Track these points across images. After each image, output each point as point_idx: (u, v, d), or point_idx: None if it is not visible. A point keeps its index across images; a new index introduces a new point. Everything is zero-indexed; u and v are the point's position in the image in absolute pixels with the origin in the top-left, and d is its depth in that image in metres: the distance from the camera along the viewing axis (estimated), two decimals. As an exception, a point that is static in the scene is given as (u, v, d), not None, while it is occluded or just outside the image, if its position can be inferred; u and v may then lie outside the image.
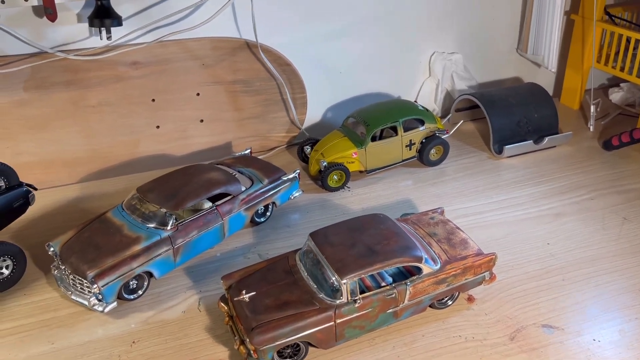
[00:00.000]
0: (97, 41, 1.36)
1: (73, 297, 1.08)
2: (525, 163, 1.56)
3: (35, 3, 1.24)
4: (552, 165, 1.55)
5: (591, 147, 1.64)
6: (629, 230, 1.29)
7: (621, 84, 1.89)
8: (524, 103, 1.61)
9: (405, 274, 1.03)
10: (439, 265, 1.02)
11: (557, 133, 1.63)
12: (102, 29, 1.30)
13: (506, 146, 1.56)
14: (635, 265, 1.18)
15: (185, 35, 1.44)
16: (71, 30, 1.35)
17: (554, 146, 1.63)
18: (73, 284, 1.08)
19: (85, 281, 1.05)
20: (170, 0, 1.39)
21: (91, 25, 1.30)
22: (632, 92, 1.86)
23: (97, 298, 1.05)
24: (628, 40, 1.64)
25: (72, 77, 1.39)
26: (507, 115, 1.59)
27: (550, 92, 1.92)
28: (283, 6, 1.52)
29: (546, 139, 1.59)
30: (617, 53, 1.68)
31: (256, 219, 1.31)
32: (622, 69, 1.67)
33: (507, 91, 1.66)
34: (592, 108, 1.71)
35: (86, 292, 1.06)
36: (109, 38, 1.32)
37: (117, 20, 1.30)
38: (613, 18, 1.72)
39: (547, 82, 1.92)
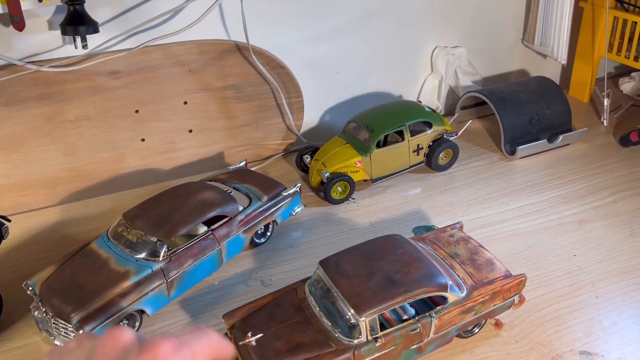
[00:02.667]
0: (72, 50, 1.23)
1: (57, 342, 0.96)
2: (540, 164, 1.46)
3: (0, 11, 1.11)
4: (568, 166, 1.45)
5: (607, 144, 1.54)
6: (659, 236, 1.19)
7: (632, 74, 1.80)
8: (534, 99, 1.51)
9: (429, 303, 0.92)
10: (465, 292, 0.92)
11: (570, 130, 1.54)
12: (76, 37, 1.17)
13: (519, 147, 1.46)
14: (671, 276, 1.09)
15: (169, 40, 1.32)
16: (42, 40, 1.23)
17: (568, 144, 1.53)
18: (56, 328, 0.96)
19: (69, 326, 0.93)
20: (151, 2, 1.27)
21: (64, 33, 1.17)
22: (644, 82, 1.77)
23: (83, 344, 0.93)
24: (642, 28, 1.54)
25: (45, 91, 1.26)
26: (518, 113, 1.48)
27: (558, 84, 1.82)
28: (275, 5, 1.40)
29: (560, 136, 1.49)
30: (628, 41, 1.59)
31: (256, 240, 1.20)
32: (635, 59, 1.57)
33: (516, 86, 1.56)
34: (606, 101, 1.61)
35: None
36: (84, 46, 1.19)
37: (93, 27, 1.17)
38: (624, 4, 1.62)
39: (553, 74, 1.83)
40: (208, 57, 1.38)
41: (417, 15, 1.59)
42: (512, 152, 1.47)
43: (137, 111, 1.37)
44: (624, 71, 1.89)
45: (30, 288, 0.99)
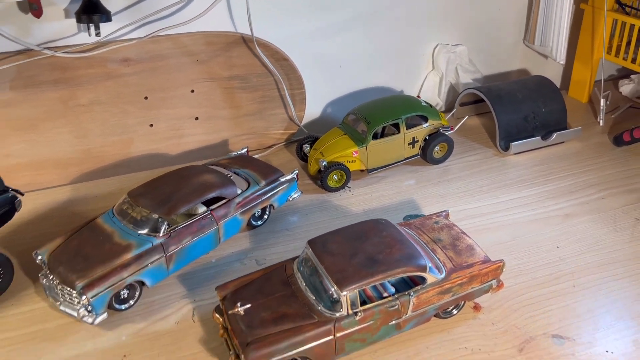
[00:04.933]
0: (86, 37, 1.30)
1: (62, 307, 1.03)
2: (533, 160, 1.50)
3: (20, -2, 1.19)
4: (560, 163, 1.49)
5: (601, 143, 1.58)
6: (642, 231, 1.23)
7: (632, 76, 1.83)
8: (531, 97, 1.55)
9: (409, 283, 0.98)
10: (444, 274, 0.97)
11: (565, 128, 1.57)
12: (90, 24, 1.25)
13: (513, 143, 1.50)
14: (649, 269, 1.13)
15: (178, 30, 1.38)
16: (58, 27, 1.30)
17: (562, 142, 1.57)
18: (62, 294, 1.03)
19: (74, 292, 1.00)
20: (161, -7, 1.34)
21: (79, 21, 1.24)
22: (643, 84, 1.80)
23: (86, 309, 1.00)
24: (640, 31, 1.57)
25: (60, 76, 1.34)
26: (514, 111, 1.53)
27: (558, 85, 1.86)
28: (280, -1, 1.46)
29: (554, 134, 1.53)
30: (628, 44, 1.62)
31: (253, 222, 1.26)
32: (633, 61, 1.61)
33: (514, 85, 1.60)
34: (602, 101, 1.65)
35: (75, 303, 1.01)
36: (97, 34, 1.26)
37: (106, 16, 1.25)
38: (624, 7, 1.65)
39: (554, 75, 1.86)
40: (215, 48, 1.44)
41: (420, 13, 1.64)
42: (506, 148, 1.52)
43: (146, 98, 1.44)
44: (626, 74, 1.92)
45: (40, 257, 1.07)
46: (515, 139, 1.52)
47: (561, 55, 1.68)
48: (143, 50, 1.38)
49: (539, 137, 1.53)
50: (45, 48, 1.29)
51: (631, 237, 1.22)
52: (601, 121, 1.66)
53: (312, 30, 1.53)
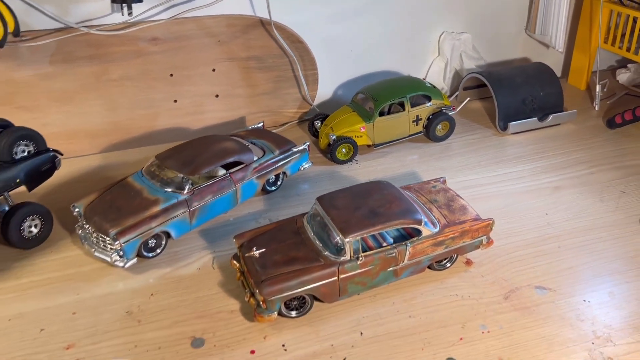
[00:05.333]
0: (119, 17, 1.43)
1: (96, 254, 1.16)
2: (529, 140, 1.61)
3: (62, -20, 1.32)
4: (555, 142, 1.59)
5: (595, 126, 1.67)
6: (626, 202, 1.33)
7: (628, 65, 1.92)
8: (530, 81, 1.65)
9: (406, 237, 1.09)
10: (437, 229, 1.08)
11: (562, 111, 1.67)
12: (123, 5, 1.37)
13: (511, 123, 1.60)
14: (630, 234, 1.23)
15: (202, 13, 1.51)
16: (94, 6, 1.43)
17: (559, 124, 1.67)
18: (96, 241, 1.16)
19: (107, 238, 1.13)
20: (188, -22, 1.46)
21: (113, 1, 1.37)
22: (639, 73, 1.89)
23: (118, 254, 1.13)
24: (635, 21, 1.66)
25: (95, 52, 1.47)
26: (513, 93, 1.63)
27: (558, 73, 1.96)
28: (296, -16, 1.58)
29: (551, 116, 1.63)
30: (624, 34, 1.71)
31: (267, 187, 1.38)
32: (628, 50, 1.70)
33: (514, 70, 1.70)
34: (598, 87, 1.74)
35: (108, 249, 1.14)
36: (129, 14, 1.39)
37: (138, -3, 1.37)
38: (621, -1, 1.74)
39: (554, 63, 1.95)
40: (235, 30, 1.56)
41: (428, 1, 1.74)
42: (505, 128, 1.62)
43: (171, 75, 1.56)
44: (625, 64, 2.00)
45: (77, 209, 1.20)
46: (514, 119, 1.62)
47: (560, 44, 1.78)
48: (169, 31, 1.51)
49: (536, 118, 1.63)
50: (82, 26, 1.42)
51: (616, 207, 1.32)
52: (596, 106, 1.75)
53: (326, 14, 1.64)
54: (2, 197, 1.19)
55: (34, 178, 1.21)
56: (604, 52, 1.79)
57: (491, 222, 1.12)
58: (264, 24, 1.57)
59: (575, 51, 1.88)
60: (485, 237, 1.13)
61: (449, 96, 1.80)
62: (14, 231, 1.18)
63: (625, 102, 1.80)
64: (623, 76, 1.91)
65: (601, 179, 1.42)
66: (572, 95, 1.83)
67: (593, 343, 0.97)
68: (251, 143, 1.39)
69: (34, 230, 1.21)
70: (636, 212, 1.30)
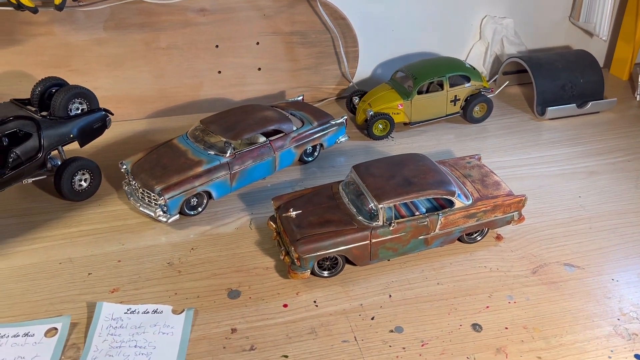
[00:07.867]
0: (171, -13, 1.49)
1: (141, 208, 1.22)
2: (567, 126, 1.61)
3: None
4: (593, 129, 1.59)
5: (635, 115, 1.66)
6: (661, 190, 1.33)
7: (674, 57, 1.89)
8: (570, 68, 1.65)
9: (438, 209, 1.12)
10: (470, 201, 1.11)
11: (601, 99, 1.67)
12: (175, -25, 1.43)
13: (549, 108, 1.61)
14: (663, 221, 1.23)
15: (250, -14, 1.55)
16: (148, -24, 1.49)
17: (598, 112, 1.66)
18: (142, 197, 1.23)
19: (152, 194, 1.19)
20: (238, -49, 1.50)
21: (166, -29, 1.43)
22: (684, 66, 1.86)
23: (162, 210, 1.19)
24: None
25: (146, 20, 1.53)
26: (552, 79, 1.63)
27: (601, 63, 1.94)
28: (343, -38, 1.60)
29: (590, 103, 1.63)
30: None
31: (305, 157, 1.42)
32: (674, 40, 1.68)
33: (554, 56, 1.70)
34: (640, 78, 1.73)
35: (153, 205, 1.20)
36: (181, -16, 1.45)
37: (190, -33, 1.42)
38: (670, -12, 1.72)
39: (597, 52, 1.93)
40: (281, 4, 1.60)
41: (471, -15, 1.75)
42: (543, 113, 1.63)
43: (217, 46, 1.61)
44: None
45: (124, 166, 1.26)
46: (552, 105, 1.62)
47: (604, 31, 1.76)
48: (217, 2, 1.56)
49: (575, 104, 1.63)
50: (135, -6, 1.48)
51: (651, 194, 1.32)
52: (638, 96, 1.74)
53: (370, -7, 1.67)
54: (56, 150, 1.26)
55: (86, 134, 1.28)
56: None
57: (524, 198, 1.14)
58: None
59: (619, 41, 1.86)
60: (517, 212, 1.15)
61: (488, 80, 1.80)
62: (66, 183, 1.25)
63: (668, 94, 1.78)
64: (668, 68, 1.88)
65: (638, 167, 1.42)
66: (613, 85, 1.81)
67: (619, 319, 0.99)
68: (290, 114, 1.43)
69: (84, 184, 1.28)
70: (671, 200, 1.30)
